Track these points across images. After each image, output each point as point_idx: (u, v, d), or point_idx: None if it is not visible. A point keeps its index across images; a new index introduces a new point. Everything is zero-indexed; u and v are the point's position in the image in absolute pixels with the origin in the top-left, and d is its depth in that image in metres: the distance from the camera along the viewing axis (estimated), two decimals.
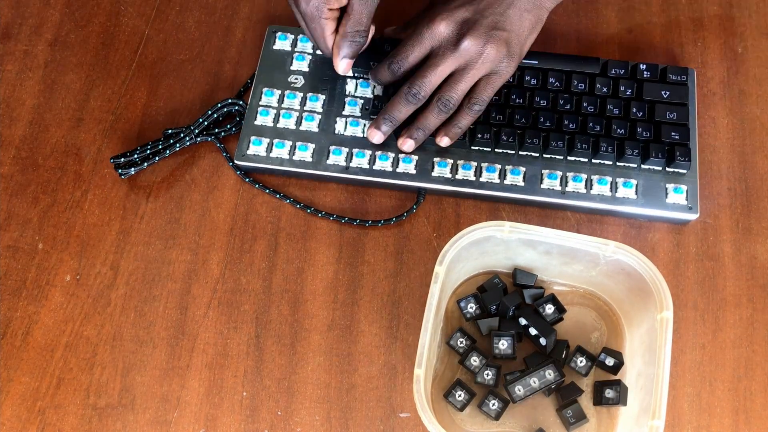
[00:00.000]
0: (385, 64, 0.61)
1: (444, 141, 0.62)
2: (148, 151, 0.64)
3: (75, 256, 0.63)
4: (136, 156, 0.64)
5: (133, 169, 0.64)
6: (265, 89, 0.66)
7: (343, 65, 0.61)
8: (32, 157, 0.67)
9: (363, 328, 0.60)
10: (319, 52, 0.68)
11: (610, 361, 0.56)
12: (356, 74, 0.66)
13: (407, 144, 0.62)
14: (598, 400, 0.55)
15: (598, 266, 0.56)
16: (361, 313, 0.60)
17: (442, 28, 0.58)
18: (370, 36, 0.61)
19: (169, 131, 0.66)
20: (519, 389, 0.54)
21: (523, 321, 0.57)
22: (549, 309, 0.57)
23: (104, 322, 0.61)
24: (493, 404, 0.55)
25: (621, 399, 0.54)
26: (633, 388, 0.54)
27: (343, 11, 0.59)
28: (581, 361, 0.57)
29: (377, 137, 0.62)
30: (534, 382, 0.54)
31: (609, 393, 0.55)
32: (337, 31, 0.60)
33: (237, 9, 0.73)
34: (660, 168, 0.62)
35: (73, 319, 0.61)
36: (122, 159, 0.64)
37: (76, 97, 0.69)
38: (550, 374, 0.54)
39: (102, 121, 0.68)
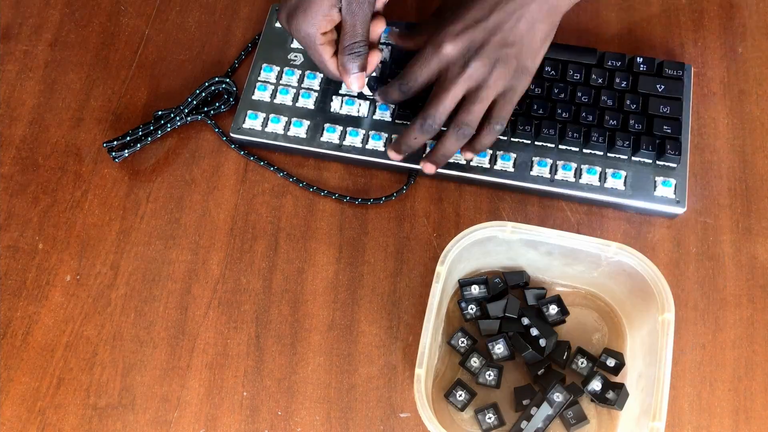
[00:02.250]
0: (395, 85, 0.60)
1: (468, 155, 0.61)
2: (140, 133, 0.65)
3: (75, 256, 0.63)
4: (128, 138, 0.65)
5: (126, 151, 0.64)
6: (264, 65, 0.67)
7: (354, 81, 0.59)
8: (32, 157, 0.67)
9: (363, 328, 0.60)
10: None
11: (611, 362, 0.56)
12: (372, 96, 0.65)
13: (428, 168, 0.61)
14: (600, 398, 0.55)
15: (600, 267, 0.56)
16: (361, 313, 0.60)
17: (449, 50, 0.56)
18: (380, 56, 0.61)
19: (159, 113, 0.66)
20: (524, 424, 0.53)
21: (525, 321, 0.57)
22: (553, 310, 0.57)
23: (104, 322, 0.61)
24: (489, 417, 0.55)
25: (619, 403, 0.54)
26: (634, 389, 0.54)
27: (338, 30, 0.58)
28: (582, 363, 0.57)
29: (395, 156, 0.62)
30: (524, 424, 0.53)
31: (610, 394, 0.55)
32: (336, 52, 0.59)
33: (237, 9, 0.73)
34: (650, 161, 0.63)
35: (73, 319, 0.61)
36: (115, 142, 0.64)
37: (76, 97, 0.69)
38: (551, 402, 0.53)
39: (102, 121, 0.68)
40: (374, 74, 0.66)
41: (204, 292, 0.61)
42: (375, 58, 0.60)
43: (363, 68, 0.59)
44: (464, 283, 0.59)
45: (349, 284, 0.61)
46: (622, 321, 0.59)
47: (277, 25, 0.69)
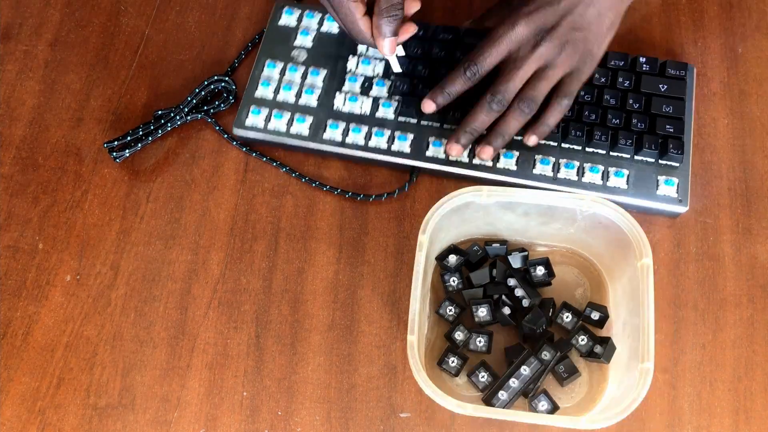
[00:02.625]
0: (460, 71, 0.59)
1: (532, 139, 0.61)
2: (141, 133, 0.65)
3: (75, 256, 0.63)
4: (129, 138, 0.65)
5: (127, 151, 0.64)
6: (267, 61, 0.67)
7: (387, 45, 0.57)
8: (32, 157, 0.67)
9: (363, 328, 0.60)
10: (325, 28, 0.68)
11: (595, 315, 0.57)
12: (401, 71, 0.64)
13: (486, 151, 0.61)
14: (587, 353, 0.56)
15: (576, 222, 0.57)
16: (361, 313, 0.61)
17: (521, 30, 0.58)
18: (414, 29, 0.59)
19: (159, 112, 0.66)
20: (502, 394, 0.54)
21: (511, 281, 0.58)
22: (540, 271, 0.58)
23: (104, 322, 0.61)
24: (482, 376, 0.56)
25: (606, 356, 0.55)
26: (620, 337, 0.56)
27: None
28: (567, 317, 0.57)
29: (456, 150, 0.62)
30: (514, 383, 0.54)
31: (597, 348, 0.56)
32: (369, 15, 0.57)
33: (237, 9, 0.73)
34: (652, 160, 0.63)
35: (73, 319, 0.61)
36: (116, 142, 0.64)
37: (76, 97, 0.69)
38: (527, 369, 0.55)
39: (102, 121, 0.68)
40: (366, 85, 0.66)
41: (204, 292, 0.61)
42: (410, 29, 0.59)
43: (396, 33, 0.58)
44: (441, 257, 0.59)
45: (349, 284, 0.61)
46: (602, 273, 0.60)
47: (281, 22, 0.69)
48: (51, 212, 0.64)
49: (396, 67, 0.63)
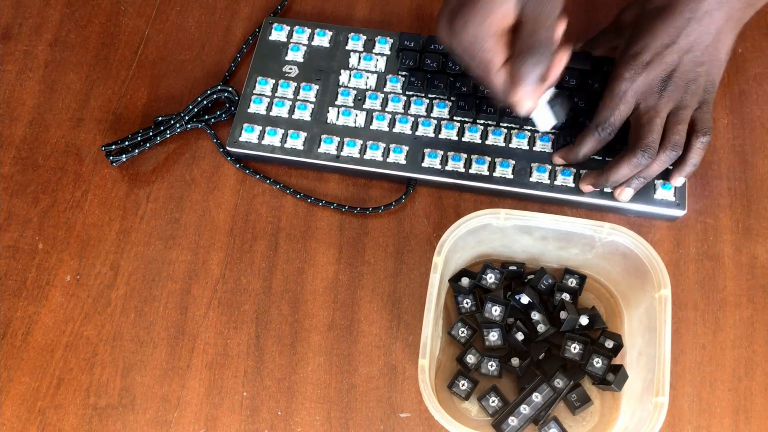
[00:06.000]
0: (592, 134, 0.58)
1: (679, 180, 0.60)
2: (139, 138, 0.65)
3: (75, 256, 0.63)
4: (127, 143, 0.64)
5: (124, 156, 0.64)
6: (259, 78, 0.67)
7: (528, 95, 0.48)
8: (32, 157, 0.67)
9: (363, 328, 0.60)
10: (316, 42, 0.68)
11: (609, 344, 0.57)
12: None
13: (625, 193, 0.60)
14: (599, 380, 0.56)
15: (594, 249, 0.57)
16: (361, 313, 0.61)
17: (643, 81, 0.56)
18: (565, 59, 0.49)
19: (160, 118, 0.66)
20: (512, 420, 0.53)
21: (525, 299, 0.57)
22: (562, 316, 0.57)
23: (104, 322, 0.61)
24: (493, 401, 0.55)
25: (617, 384, 0.54)
26: (634, 367, 0.55)
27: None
28: (575, 348, 0.57)
29: (590, 190, 0.61)
30: (524, 409, 0.54)
31: (609, 376, 0.55)
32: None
33: (237, 9, 0.73)
34: None
35: (73, 319, 0.61)
36: (113, 146, 0.64)
37: (76, 97, 0.69)
38: (538, 396, 0.54)
39: (102, 121, 0.68)
40: (359, 99, 0.65)
41: (204, 292, 0.61)
42: (560, 63, 0.49)
43: (542, 78, 0.48)
44: (454, 279, 0.59)
45: (349, 284, 0.61)
46: (618, 301, 0.60)
47: (271, 38, 0.69)
48: (51, 212, 0.64)
49: (544, 123, 0.54)
